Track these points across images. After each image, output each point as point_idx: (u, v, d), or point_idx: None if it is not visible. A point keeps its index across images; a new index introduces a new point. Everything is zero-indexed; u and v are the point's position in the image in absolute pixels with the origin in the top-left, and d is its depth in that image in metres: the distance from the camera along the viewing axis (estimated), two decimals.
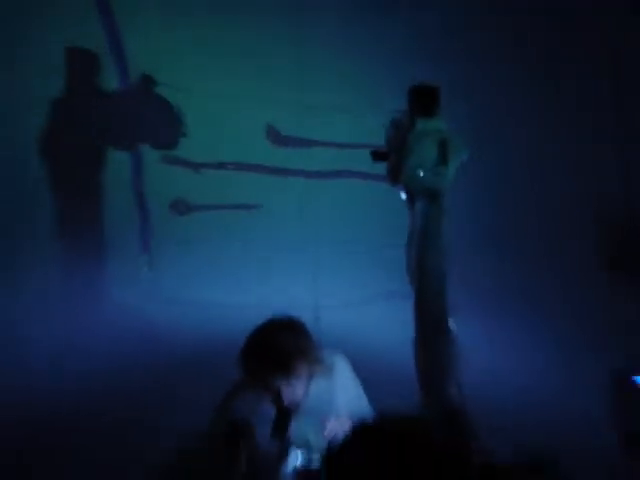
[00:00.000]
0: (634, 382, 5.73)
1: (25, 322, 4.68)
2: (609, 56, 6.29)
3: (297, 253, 5.20)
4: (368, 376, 4.46)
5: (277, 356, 4.15)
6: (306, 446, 4.20)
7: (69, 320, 4.80)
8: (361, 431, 2.38)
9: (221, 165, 5.17)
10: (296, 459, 4.17)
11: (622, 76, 6.24)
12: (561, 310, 5.67)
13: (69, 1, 4.93)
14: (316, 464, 4.02)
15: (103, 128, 5.03)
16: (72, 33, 4.93)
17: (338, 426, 3.96)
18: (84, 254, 4.88)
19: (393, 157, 4.21)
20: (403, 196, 4.20)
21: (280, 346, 4.16)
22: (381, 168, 4.33)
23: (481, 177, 5.44)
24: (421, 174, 4.13)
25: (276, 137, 5.29)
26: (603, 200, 6.06)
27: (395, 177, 4.20)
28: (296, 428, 4.23)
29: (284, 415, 4.25)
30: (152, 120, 5.11)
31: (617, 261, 5.97)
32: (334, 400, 4.33)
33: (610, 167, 6.15)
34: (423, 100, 4.25)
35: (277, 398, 4.19)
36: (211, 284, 5.03)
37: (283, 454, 4.25)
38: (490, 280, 5.48)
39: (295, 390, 4.22)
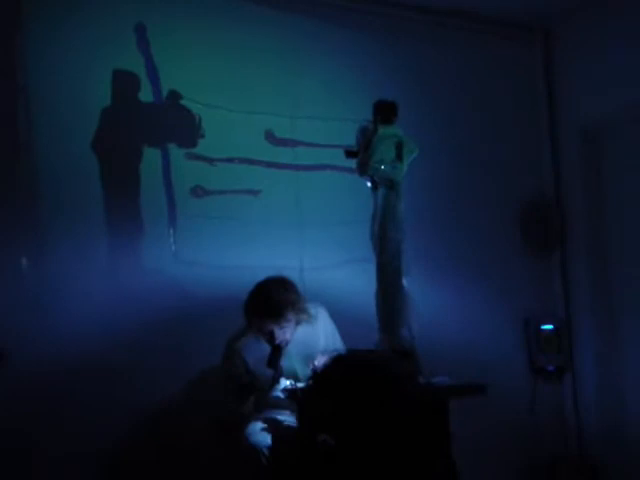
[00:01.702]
0: (540, 328, 5.82)
1: (81, 280, 4.70)
2: (542, 55, 6.19)
3: (287, 228, 5.23)
4: (341, 320, 4.55)
5: (270, 305, 4.23)
6: (294, 376, 4.27)
7: (113, 280, 4.83)
8: (338, 360, 2.46)
9: (230, 160, 5.16)
10: (285, 384, 4.23)
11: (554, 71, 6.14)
12: (490, 273, 5.71)
13: (118, 40, 4.93)
14: (300, 386, 4.09)
15: (140, 131, 5.04)
16: (119, 61, 4.94)
17: (322, 359, 4.01)
18: (125, 229, 4.89)
19: (361, 155, 4.22)
20: (369, 184, 4.23)
21: (273, 298, 4.24)
22: (352, 163, 4.34)
23: (433, 170, 5.46)
24: (382, 168, 4.16)
25: (273, 139, 5.29)
26: (531, 189, 6.05)
27: (363, 170, 4.22)
28: (287, 362, 4.32)
29: (276, 351, 4.32)
30: (178, 125, 5.10)
31: (534, 238, 5.99)
32: (317, 341, 4.42)
33: (544, 160, 6.12)
34: (384, 112, 4.25)
35: (271, 338, 4.26)
36: (222, 251, 5.05)
37: (275, 379, 4.32)
38: (437, 248, 5.52)
39: (285, 332, 4.30)
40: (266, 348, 4.36)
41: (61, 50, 4.76)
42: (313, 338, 4.47)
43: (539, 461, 5.72)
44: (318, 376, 2.50)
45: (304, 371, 4.36)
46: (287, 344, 4.39)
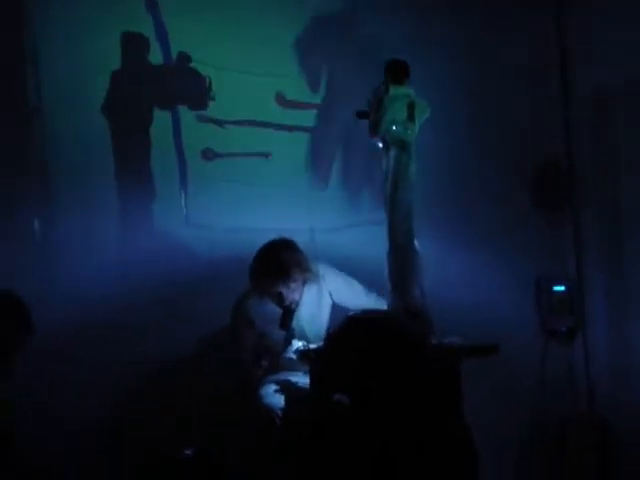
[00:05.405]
0: (552, 289, 5.81)
1: (93, 243, 4.72)
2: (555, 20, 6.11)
3: (298, 190, 5.23)
4: None
5: (279, 267, 4.26)
6: (304, 336, 4.31)
7: (125, 243, 4.88)
8: (351, 319, 2.48)
9: (239, 122, 5.16)
10: (297, 345, 4.25)
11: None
12: (501, 233, 5.68)
13: (127, 1, 4.95)
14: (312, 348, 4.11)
15: (150, 94, 5.04)
16: (128, 23, 4.95)
17: None
18: (136, 192, 4.91)
19: (372, 115, 4.21)
20: (380, 145, 4.21)
21: (279, 258, 4.27)
22: (363, 124, 4.32)
23: (444, 131, 5.40)
24: (394, 128, 4.14)
25: (282, 101, 5.28)
26: (542, 149, 6.00)
27: (374, 131, 4.20)
28: (295, 322, 4.36)
29: (288, 313, 4.35)
30: (188, 88, 5.10)
31: (545, 199, 5.97)
32: (324, 300, 4.45)
33: (556, 121, 6.08)
34: (395, 72, 4.22)
35: (280, 300, 4.30)
36: (233, 214, 5.06)
37: (288, 341, 4.36)
38: (449, 210, 5.49)
39: (294, 293, 4.33)
40: (273, 309, 4.41)
41: (70, 13, 4.75)
42: (320, 297, 4.52)
43: (549, 421, 5.74)
44: (332, 337, 2.51)
45: (313, 331, 4.41)
46: (297, 305, 4.43)
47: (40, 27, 4.71)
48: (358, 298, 4.44)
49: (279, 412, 4.18)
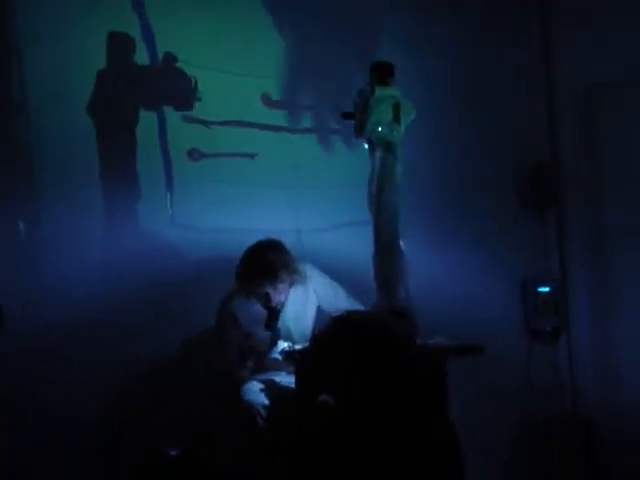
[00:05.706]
0: (537, 290, 5.84)
1: (78, 243, 4.70)
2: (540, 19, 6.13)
3: (284, 190, 5.23)
4: (339, 282, 4.58)
5: (266, 268, 4.27)
6: (289, 337, 4.32)
7: (110, 244, 4.86)
8: (337, 320, 2.48)
9: (225, 123, 5.15)
10: (283, 346, 4.27)
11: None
12: (487, 236, 5.69)
13: (113, 1, 4.93)
14: (298, 348, 4.12)
15: (136, 94, 5.02)
16: (114, 23, 4.92)
17: None
18: (121, 193, 4.89)
19: (358, 116, 4.22)
20: (366, 146, 4.22)
21: (267, 259, 4.28)
22: (349, 125, 4.32)
23: (430, 133, 5.41)
24: (379, 129, 4.15)
25: (268, 101, 5.28)
26: (527, 151, 6.01)
27: (360, 132, 4.21)
28: (281, 323, 4.37)
29: (273, 313, 4.36)
30: (174, 88, 5.09)
31: (530, 200, 5.99)
32: (309, 301, 4.46)
33: (540, 123, 6.08)
34: (380, 73, 4.23)
35: (266, 301, 4.31)
36: (218, 214, 5.05)
37: (273, 341, 4.37)
38: (433, 211, 5.51)
39: (280, 294, 4.35)
40: (259, 309, 4.42)
41: (56, 10, 4.71)
42: (306, 298, 4.53)
43: (536, 421, 5.77)
44: (317, 337, 2.51)
45: (298, 331, 4.43)
46: (283, 306, 4.45)
47: (25, 23, 4.67)
48: (339, 302, 4.46)
49: (260, 409, 4.22)
